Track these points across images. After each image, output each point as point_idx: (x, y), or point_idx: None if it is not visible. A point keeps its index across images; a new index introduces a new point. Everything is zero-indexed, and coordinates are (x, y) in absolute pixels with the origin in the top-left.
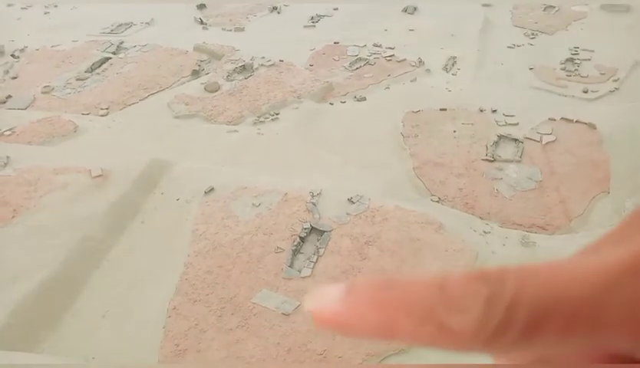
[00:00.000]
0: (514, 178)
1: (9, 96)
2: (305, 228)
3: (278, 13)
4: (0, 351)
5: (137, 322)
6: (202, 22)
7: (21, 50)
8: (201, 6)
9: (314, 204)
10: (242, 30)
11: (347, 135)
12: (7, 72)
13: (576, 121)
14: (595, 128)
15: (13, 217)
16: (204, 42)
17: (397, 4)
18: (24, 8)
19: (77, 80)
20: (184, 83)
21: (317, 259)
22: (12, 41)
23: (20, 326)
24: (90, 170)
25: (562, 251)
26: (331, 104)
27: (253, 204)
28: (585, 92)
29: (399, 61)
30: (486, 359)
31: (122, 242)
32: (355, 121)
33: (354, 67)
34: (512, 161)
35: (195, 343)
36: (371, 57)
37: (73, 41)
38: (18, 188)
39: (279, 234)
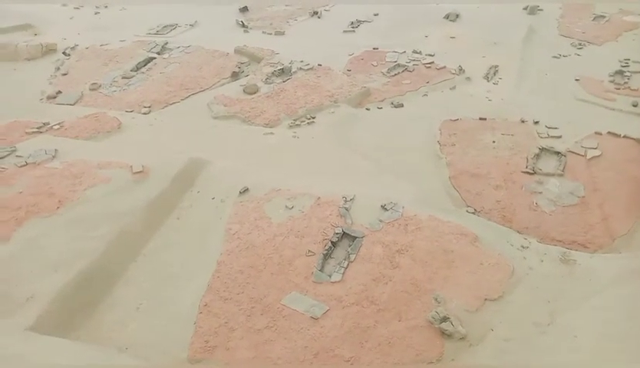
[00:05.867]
0: (555, 192)
1: (59, 92)
2: (337, 233)
3: (319, 18)
4: (41, 335)
5: (169, 316)
6: (243, 25)
7: (72, 48)
8: (243, 9)
9: (346, 209)
10: (283, 33)
11: (382, 141)
12: (58, 69)
13: (624, 136)
14: None
15: (58, 208)
16: (245, 45)
17: (439, 11)
18: (77, 8)
19: (123, 78)
20: (224, 84)
21: (347, 265)
22: (65, 39)
23: (59, 313)
24: (131, 166)
25: (604, 270)
26: (368, 110)
27: (286, 206)
28: (635, 106)
29: (438, 69)
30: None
31: (158, 237)
32: (391, 127)
33: (393, 73)
34: (553, 175)
35: (224, 341)
36: (410, 64)
37: (120, 41)
38: (64, 181)
39: (311, 237)
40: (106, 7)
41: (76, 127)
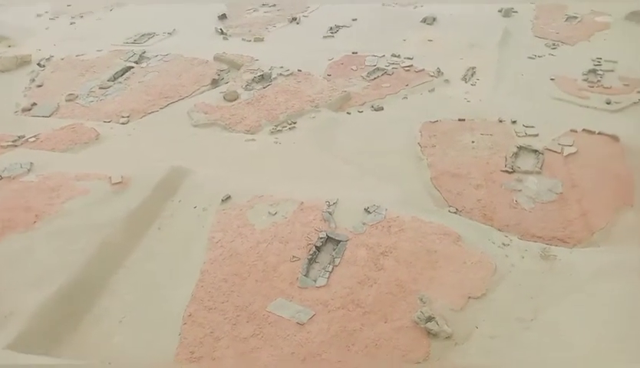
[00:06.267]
0: (534, 189)
1: (34, 104)
2: (321, 238)
3: (298, 23)
4: (20, 354)
5: (153, 328)
6: (222, 32)
7: (47, 60)
8: (222, 17)
9: (330, 213)
10: (262, 40)
11: (364, 144)
12: (33, 80)
13: (599, 133)
14: (617, 140)
15: (35, 222)
16: (224, 52)
17: (417, 14)
18: (52, 19)
19: (100, 88)
20: (204, 92)
21: (332, 269)
22: (39, 50)
23: (40, 329)
24: (110, 177)
25: (584, 265)
26: (349, 114)
27: (269, 212)
28: (608, 103)
29: (417, 71)
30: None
31: (140, 248)
32: (372, 131)
33: (372, 77)
34: (532, 172)
35: (210, 351)
36: (389, 67)
37: (97, 51)
38: (41, 194)
39: (295, 243)
40: (82, 16)
41: (52, 139)
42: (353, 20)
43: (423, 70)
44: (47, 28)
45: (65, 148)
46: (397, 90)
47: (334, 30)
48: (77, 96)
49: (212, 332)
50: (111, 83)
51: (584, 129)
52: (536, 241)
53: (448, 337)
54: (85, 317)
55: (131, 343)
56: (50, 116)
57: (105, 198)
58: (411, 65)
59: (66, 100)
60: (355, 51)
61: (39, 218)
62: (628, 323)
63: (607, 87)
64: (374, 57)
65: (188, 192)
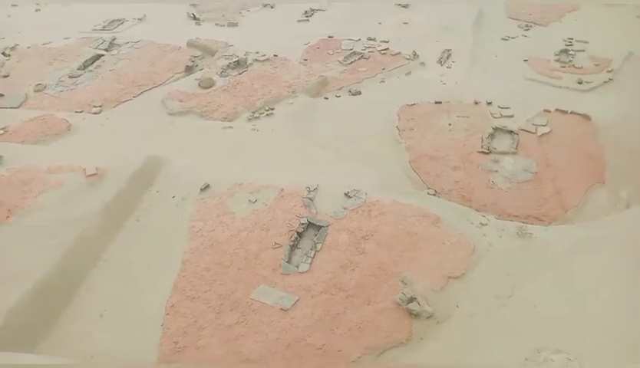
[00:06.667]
0: (510, 170)
1: (1, 95)
2: (302, 224)
3: (272, 8)
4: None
5: (135, 320)
6: (194, 18)
7: (12, 48)
8: (193, 2)
9: (310, 199)
10: (236, 25)
11: (342, 129)
12: None
13: (571, 112)
14: (589, 119)
15: (7, 217)
16: (197, 38)
17: None
18: (15, 5)
19: (70, 77)
20: (178, 79)
21: (314, 254)
22: (3, 38)
23: (17, 327)
24: (84, 169)
25: (558, 242)
26: (326, 99)
27: (249, 200)
28: (580, 83)
29: (393, 55)
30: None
31: (118, 241)
32: (350, 115)
33: (349, 61)
34: (507, 153)
35: (194, 340)
36: (365, 51)
37: (65, 39)
38: (12, 188)
39: (276, 229)
40: (47, 3)
41: (21, 131)
42: (328, 3)
43: (399, 53)
44: (9, 16)
45: (36, 140)
46: (374, 74)
47: (309, 14)
48: (45, 86)
49: (195, 321)
50: (81, 71)
51: (557, 109)
52: (512, 220)
53: (430, 317)
54: (64, 312)
55: (113, 336)
56: (18, 107)
57: (80, 190)
58: (387, 48)
59: (34, 91)
60: (331, 35)
61: (12, 213)
62: (601, 294)
63: (578, 67)
64: (350, 41)
65: (166, 182)
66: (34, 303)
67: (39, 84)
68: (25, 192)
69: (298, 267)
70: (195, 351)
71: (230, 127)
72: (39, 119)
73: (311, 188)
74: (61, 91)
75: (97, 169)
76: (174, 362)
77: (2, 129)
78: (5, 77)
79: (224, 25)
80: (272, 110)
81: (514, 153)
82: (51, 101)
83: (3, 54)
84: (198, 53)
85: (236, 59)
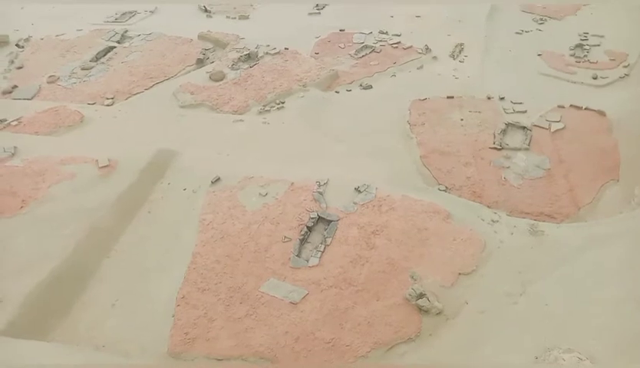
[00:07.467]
0: (522, 166)
1: (15, 87)
2: (312, 218)
3: (283, 1)
4: (11, 339)
5: (146, 311)
6: (206, 10)
7: (26, 40)
8: None
9: (320, 193)
10: (247, 18)
11: (353, 123)
12: (12, 62)
13: (585, 108)
14: (604, 115)
15: (22, 207)
16: (208, 30)
17: None
18: None
19: (83, 69)
20: (189, 72)
21: (324, 248)
22: (17, 30)
23: (31, 315)
24: (97, 160)
25: (570, 239)
26: (337, 92)
27: (260, 193)
28: (595, 78)
29: (405, 49)
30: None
31: (130, 232)
32: (361, 109)
33: (360, 55)
34: (520, 149)
35: (204, 332)
36: (377, 45)
37: (77, 30)
38: (26, 179)
39: (286, 223)
40: None
41: (35, 122)
42: None
43: (411, 47)
44: (22, 8)
45: (49, 131)
46: (385, 68)
47: (320, 6)
48: (58, 78)
49: (205, 313)
50: (93, 63)
51: (571, 105)
52: (524, 217)
53: (439, 313)
54: (77, 302)
55: (124, 326)
56: (32, 98)
57: (92, 181)
58: (399, 42)
59: (47, 82)
60: (342, 28)
61: (26, 204)
62: (613, 293)
63: (593, 62)
64: (361, 35)
65: (177, 175)
66: (48, 293)
67: (52, 76)
68: (39, 182)
69: (307, 261)
70: (205, 342)
71: (241, 120)
72: (52, 111)
73: (322, 183)
74: (74, 83)
75: (109, 160)
76: (185, 352)
77: (17, 120)
78: (19, 68)
79: (235, 18)
80: (283, 103)
81: (527, 150)
82: (64, 93)
83: (17, 45)
84: (209, 46)
85: (247, 52)
